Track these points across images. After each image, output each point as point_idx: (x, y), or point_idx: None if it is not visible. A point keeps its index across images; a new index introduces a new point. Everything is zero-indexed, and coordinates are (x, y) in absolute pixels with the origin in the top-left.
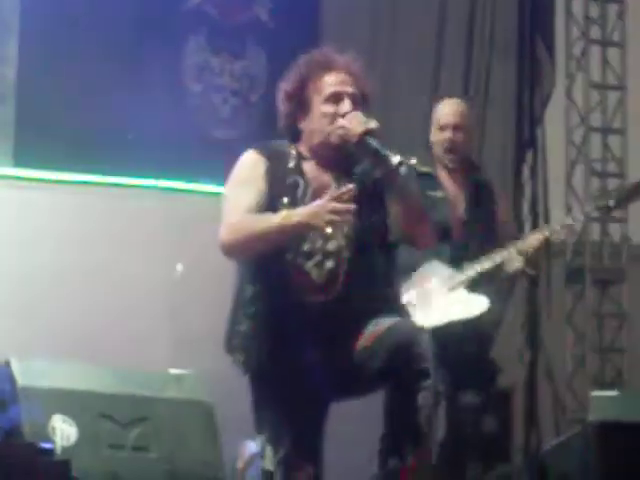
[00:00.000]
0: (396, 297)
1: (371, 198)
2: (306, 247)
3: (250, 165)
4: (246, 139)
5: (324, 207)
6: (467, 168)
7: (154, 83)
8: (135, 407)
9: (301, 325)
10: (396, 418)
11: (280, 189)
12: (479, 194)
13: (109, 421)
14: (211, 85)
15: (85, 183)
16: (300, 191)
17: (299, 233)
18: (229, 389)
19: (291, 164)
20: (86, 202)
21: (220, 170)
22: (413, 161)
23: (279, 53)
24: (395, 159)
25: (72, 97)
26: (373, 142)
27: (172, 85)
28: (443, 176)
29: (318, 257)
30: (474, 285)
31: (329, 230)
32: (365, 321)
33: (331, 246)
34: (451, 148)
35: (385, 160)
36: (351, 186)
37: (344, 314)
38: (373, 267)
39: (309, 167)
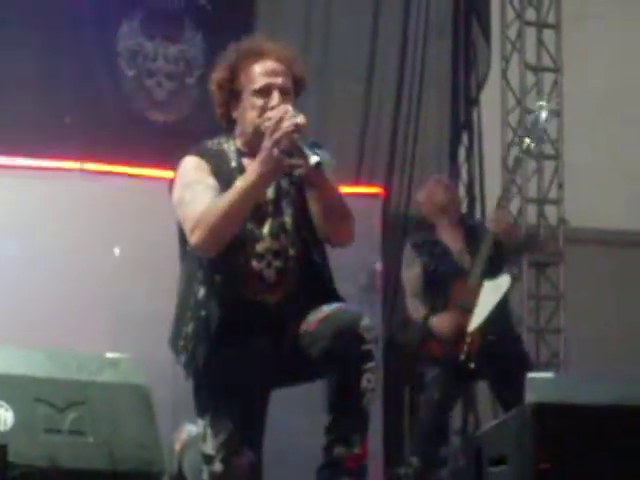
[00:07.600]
0: (338, 292)
1: (303, 193)
2: (258, 248)
3: (194, 167)
4: (183, 122)
5: (264, 147)
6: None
7: (91, 67)
8: (71, 391)
9: (252, 325)
10: (340, 403)
11: (227, 189)
12: (475, 236)
13: (45, 405)
14: (145, 69)
15: (22, 166)
16: None
17: (264, 186)
18: (166, 373)
19: (233, 163)
20: (26, 186)
21: (156, 153)
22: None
23: (216, 36)
24: (313, 159)
25: (7, 81)
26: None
27: (108, 69)
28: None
29: (268, 257)
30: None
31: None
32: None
33: (278, 245)
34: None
35: (305, 158)
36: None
37: (293, 312)
38: (315, 264)
39: (249, 164)
